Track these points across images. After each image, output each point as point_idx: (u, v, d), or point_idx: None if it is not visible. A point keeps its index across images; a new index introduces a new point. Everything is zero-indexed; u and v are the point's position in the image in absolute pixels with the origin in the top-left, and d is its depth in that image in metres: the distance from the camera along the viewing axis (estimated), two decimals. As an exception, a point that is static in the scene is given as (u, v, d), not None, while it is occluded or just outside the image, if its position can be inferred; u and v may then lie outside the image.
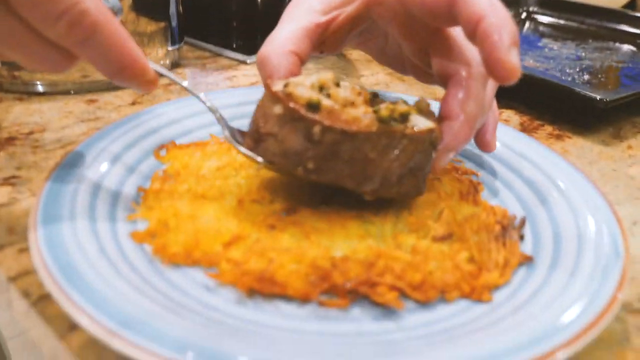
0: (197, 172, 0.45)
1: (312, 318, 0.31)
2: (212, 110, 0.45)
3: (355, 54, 0.93)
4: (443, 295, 0.33)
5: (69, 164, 0.41)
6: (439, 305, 0.33)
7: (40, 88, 0.67)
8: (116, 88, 0.70)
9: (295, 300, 0.33)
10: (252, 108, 0.43)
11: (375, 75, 0.83)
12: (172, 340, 0.26)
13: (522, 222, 0.41)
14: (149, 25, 0.75)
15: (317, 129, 0.36)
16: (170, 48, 0.79)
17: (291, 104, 0.37)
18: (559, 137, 0.64)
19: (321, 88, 0.39)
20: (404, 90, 0.77)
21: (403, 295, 0.33)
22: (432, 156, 0.39)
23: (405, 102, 0.40)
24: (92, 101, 0.66)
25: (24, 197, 0.45)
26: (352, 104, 0.38)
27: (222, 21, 0.91)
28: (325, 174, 0.37)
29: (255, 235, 0.37)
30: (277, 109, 0.37)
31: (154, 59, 0.76)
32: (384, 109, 0.37)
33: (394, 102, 0.41)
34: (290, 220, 0.39)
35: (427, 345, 0.29)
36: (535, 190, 0.45)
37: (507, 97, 0.74)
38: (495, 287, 0.34)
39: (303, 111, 0.37)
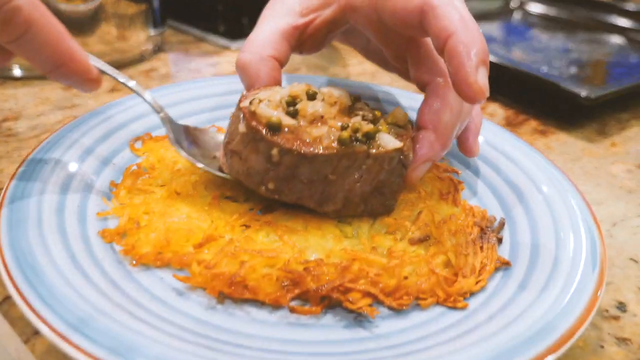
0: (173, 166, 0.43)
1: (283, 325, 0.31)
2: (157, 109, 0.44)
3: (342, 42, 0.91)
4: (417, 302, 0.33)
5: (38, 157, 0.40)
6: (413, 312, 0.33)
7: (17, 72, 0.65)
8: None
9: (267, 306, 0.32)
10: (235, 98, 0.43)
11: (361, 64, 0.81)
12: (126, 348, 0.26)
13: (501, 225, 0.40)
14: (129, 7, 0.72)
15: (275, 151, 0.35)
16: (152, 32, 0.77)
17: (253, 123, 0.36)
18: (543, 133, 0.64)
19: (292, 102, 0.38)
20: (390, 82, 0.76)
21: (377, 301, 0.32)
22: (402, 173, 0.38)
23: (380, 115, 0.39)
24: (69, 87, 0.64)
25: (-8, 189, 0.44)
26: (322, 118, 0.38)
27: (207, 4, 0.88)
28: (286, 194, 0.37)
29: (229, 235, 0.36)
30: (242, 127, 0.37)
31: (136, 43, 0.74)
32: (346, 131, 0.36)
33: (371, 111, 0.40)
34: (265, 219, 0.38)
35: (401, 355, 0.28)
36: (516, 191, 0.44)
37: (493, 90, 0.73)
38: (471, 294, 0.34)
39: (263, 132, 0.36)
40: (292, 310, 0.31)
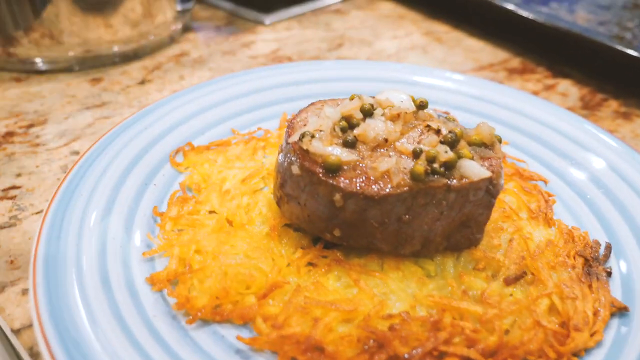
0: (220, 186, 0.38)
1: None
2: None
3: (386, 9, 0.83)
4: (522, 365, 0.28)
5: (72, 186, 0.35)
6: (518, 377, 0.27)
7: (40, 66, 0.60)
8: (123, 63, 0.63)
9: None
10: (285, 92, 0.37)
11: (409, 37, 0.74)
12: None
13: (608, 252, 0.35)
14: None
15: (337, 197, 0.30)
16: (180, 8, 0.70)
17: (306, 164, 0.31)
18: (626, 117, 0.56)
19: (346, 127, 0.32)
20: (443, 55, 0.68)
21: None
22: (490, 203, 0.32)
23: (458, 131, 0.33)
24: (96, 80, 0.59)
25: (25, 215, 0.40)
26: (386, 142, 0.32)
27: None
28: (355, 240, 0.32)
29: (294, 278, 0.31)
30: (295, 169, 0.31)
31: (163, 23, 0.67)
32: (419, 161, 0.30)
33: (444, 122, 0.34)
34: (334, 257, 0.33)
35: None
36: (617, 204, 0.38)
37: (563, 63, 0.65)
38: (586, 350, 0.28)
39: (320, 174, 0.30)
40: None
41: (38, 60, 0.59)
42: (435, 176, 0.30)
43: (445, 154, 0.30)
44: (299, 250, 0.33)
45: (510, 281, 0.31)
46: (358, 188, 0.29)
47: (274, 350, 0.27)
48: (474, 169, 0.30)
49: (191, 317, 0.29)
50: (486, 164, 0.31)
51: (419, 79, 0.52)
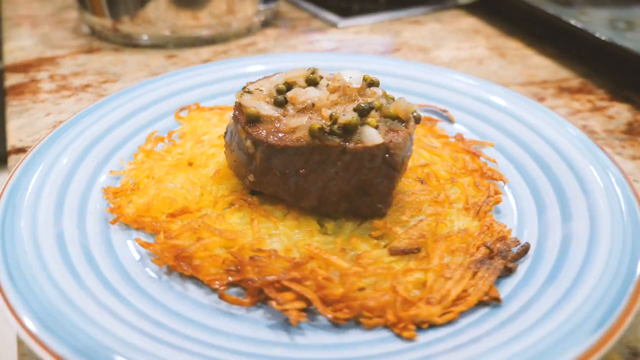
0: (200, 136, 0.44)
1: (211, 309, 0.29)
2: None
3: (465, 24, 0.82)
4: (360, 320, 0.28)
5: (88, 110, 0.44)
6: (353, 330, 0.28)
7: (145, 39, 0.72)
8: (200, 46, 0.73)
9: (206, 287, 0.31)
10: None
11: (473, 49, 0.73)
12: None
13: (523, 252, 0.33)
14: (241, -19, 0.75)
15: (248, 143, 0.34)
16: (261, 7, 0.79)
17: (236, 113, 0.35)
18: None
19: (284, 89, 0.36)
20: (496, 68, 0.66)
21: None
22: (390, 174, 0.33)
23: (377, 103, 0.34)
24: (171, 56, 0.70)
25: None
26: (313, 106, 0.34)
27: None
28: (265, 187, 0.35)
29: (207, 210, 0.36)
30: (232, 116, 0.36)
31: (243, 17, 0.76)
32: (319, 122, 0.32)
33: (380, 99, 0.35)
34: (251, 201, 0.36)
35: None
36: (564, 207, 0.35)
37: (629, 87, 0.59)
38: (431, 325, 0.28)
39: (242, 123, 0.34)
40: (221, 296, 0.30)
41: (144, 35, 0.72)
42: (333, 137, 0.32)
43: (343, 117, 0.32)
44: (227, 191, 0.38)
45: (395, 252, 0.32)
46: (263, 137, 0.33)
47: (157, 255, 0.32)
48: (369, 135, 0.32)
49: (116, 219, 0.35)
50: (390, 135, 0.33)
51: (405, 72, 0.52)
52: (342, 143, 0.32)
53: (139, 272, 0.32)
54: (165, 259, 0.31)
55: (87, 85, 0.61)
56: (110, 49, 0.71)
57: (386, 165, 0.33)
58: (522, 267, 0.32)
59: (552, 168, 0.39)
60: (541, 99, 0.59)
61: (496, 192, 0.38)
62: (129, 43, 0.73)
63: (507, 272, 0.31)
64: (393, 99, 0.37)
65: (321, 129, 0.32)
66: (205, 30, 0.73)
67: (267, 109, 0.34)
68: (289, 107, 0.35)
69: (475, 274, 0.30)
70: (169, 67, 0.66)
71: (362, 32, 0.79)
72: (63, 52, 0.70)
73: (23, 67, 0.64)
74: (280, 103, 0.35)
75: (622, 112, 0.56)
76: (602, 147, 0.40)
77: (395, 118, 0.34)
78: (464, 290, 0.29)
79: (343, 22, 0.81)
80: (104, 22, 0.72)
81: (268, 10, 0.80)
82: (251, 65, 0.54)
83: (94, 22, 0.73)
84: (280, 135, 0.33)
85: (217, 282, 0.30)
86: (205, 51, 0.71)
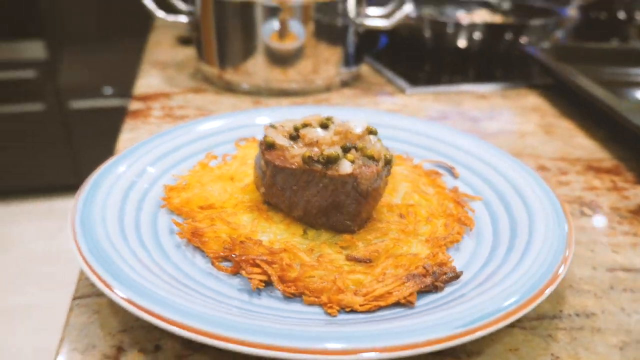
0: (246, 160, 0.57)
1: (205, 273, 0.40)
2: None
3: (529, 102, 0.88)
4: (301, 295, 0.37)
5: (166, 132, 0.59)
6: (295, 303, 0.37)
7: (245, 86, 0.90)
8: (284, 96, 0.88)
9: (208, 259, 0.42)
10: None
11: (522, 124, 0.79)
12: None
13: (453, 277, 0.39)
14: (326, 49, 0.90)
15: (262, 162, 0.45)
16: (342, 70, 0.93)
17: (260, 141, 0.47)
18: (675, 231, 0.52)
19: (300, 128, 0.47)
20: (532, 141, 0.71)
21: (270, 282, 0.39)
22: (358, 199, 0.42)
23: (360, 146, 0.44)
24: (257, 102, 0.85)
25: (155, 152, 0.66)
26: (316, 142, 0.45)
27: (392, 50, 1.00)
28: (271, 198, 0.46)
29: (229, 209, 0.47)
30: (259, 143, 0.48)
31: (325, 77, 0.91)
32: (314, 152, 0.43)
33: (371, 146, 0.45)
34: (264, 208, 0.47)
35: (249, 319, 0.35)
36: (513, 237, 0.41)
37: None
38: (352, 310, 0.36)
39: (262, 147, 0.46)
40: (212, 263, 0.41)
41: (235, 83, 0.90)
42: (318, 164, 0.42)
43: (326, 151, 0.43)
44: (247, 198, 0.49)
45: (350, 258, 0.41)
46: (272, 159, 0.44)
47: (182, 230, 0.44)
48: (343, 166, 0.42)
49: (164, 205, 0.48)
50: (361, 169, 0.42)
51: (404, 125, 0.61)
52: (323, 169, 0.42)
53: (167, 242, 0.44)
54: (185, 234, 0.44)
55: (185, 116, 0.78)
56: (213, 92, 0.89)
57: (354, 192, 0.42)
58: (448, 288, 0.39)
59: (517, 220, 0.45)
60: (563, 173, 0.63)
61: (458, 233, 0.45)
62: (229, 88, 0.90)
63: (434, 288, 0.38)
64: (382, 146, 0.46)
65: (310, 157, 0.42)
66: (292, 84, 0.89)
67: (281, 140, 0.46)
68: (299, 141, 0.46)
69: (403, 283, 0.38)
70: (256, 105, 0.82)
71: (425, 100, 0.89)
72: (177, 90, 0.89)
73: (144, 98, 0.84)
74: (293, 137, 0.46)
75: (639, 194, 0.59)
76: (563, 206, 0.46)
77: (371, 157, 0.43)
78: (389, 292, 0.37)
79: (410, 89, 0.92)
80: (213, 70, 0.90)
81: (349, 72, 0.94)
82: (305, 113, 0.67)
83: (205, 69, 0.92)
84: (283, 159, 0.44)
85: (212, 254, 0.41)
86: (285, 101, 0.86)
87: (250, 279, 0.38)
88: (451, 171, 0.57)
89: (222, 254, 0.41)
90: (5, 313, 1.79)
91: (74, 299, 0.39)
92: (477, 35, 1.05)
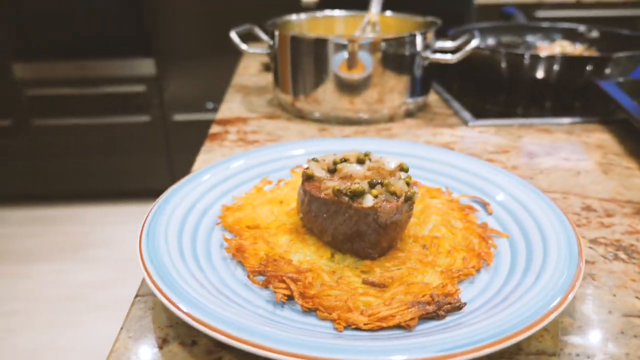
0: (297, 185, 0.64)
1: (242, 284, 0.48)
2: None
3: (594, 138, 0.87)
4: (315, 311, 0.43)
5: (232, 158, 0.68)
6: (311, 316, 0.43)
7: (316, 115, 0.98)
8: (349, 125, 0.94)
9: (246, 272, 0.49)
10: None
11: (580, 162, 0.78)
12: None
13: (455, 308, 0.43)
14: (392, 78, 0.95)
15: (301, 191, 0.52)
16: (408, 100, 0.97)
17: (302, 173, 0.53)
18: None
19: (338, 162, 0.53)
20: (585, 180, 0.71)
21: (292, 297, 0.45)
22: (378, 230, 0.47)
23: (386, 182, 0.49)
24: (323, 129, 0.93)
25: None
26: (350, 177, 0.51)
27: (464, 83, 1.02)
28: (307, 222, 0.53)
29: (272, 230, 0.55)
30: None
31: (389, 106, 0.96)
32: (345, 186, 0.48)
33: (398, 181, 0.50)
34: (301, 231, 0.54)
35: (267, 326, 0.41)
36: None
37: None
38: (355, 327, 0.42)
39: (303, 178, 0.52)
40: (249, 276, 0.48)
41: (305, 111, 0.98)
42: (345, 197, 0.48)
43: (354, 186, 0.48)
44: (289, 221, 0.56)
45: (366, 282, 0.46)
46: (309, 189, 0.51)
47: (229, 245, 0.52)
48: (366, 200, 0.47)
49: (219, 222, 0.57)
50: (383, 203, 0.47)
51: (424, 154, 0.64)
52: (350, 202, 0.48)
53: (216, 254, 0.52)
54: (231, 249, 0.51)
55: (256, 141, 0.87)
56: (285, 118, 0.98)
57: (375, 223, 0.47)
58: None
59: (533, 258, 0.48)
60: (609, 215, 0.63)
61: (473, 267, 0.48)
62: (299, 115, 0.98)
63: (436, 316, 0.43)
64: (409, 183, 0.51)
65: (339, 190, 0.48)
66: (357, 113, 0.95)
67: (319, 172, 0.52)
68: (336, 175, 0.52)
69: (407, 308, 0.43)
70: (316, 135, 0.89)
71: (487, 132, 0.91)
72: (254, 115, 0.99)
73: (224, 122, 0.95)
74: (331, 171, 0.53)
75: (687, 242, 0.57)
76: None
77: (393, 193, 0.48)
78: (392, 315, 0.42)
79: (473, 122, 0.94)
80: (287, 98, 0.99)
81: (414, 103, 0.98)
82: (361, 145, 0.73)
83: (281, 97, 1.02)
84: (317, 189, 0.50)
85: (249, 268, 0.49)
86: (349, 129, 0.93)
87: (276, 292, 0.45)
88: (485, 207, 0.60)
89: (257, 268, 0.48)
90: (108, 306, 2.03)
91: (136, 296, 0.48)
92: (554, 68, 1.05)
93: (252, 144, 0.86)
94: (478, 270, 0.49)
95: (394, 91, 0.96)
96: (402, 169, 0.53)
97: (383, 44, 0.91)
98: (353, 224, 0.48)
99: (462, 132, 0.91)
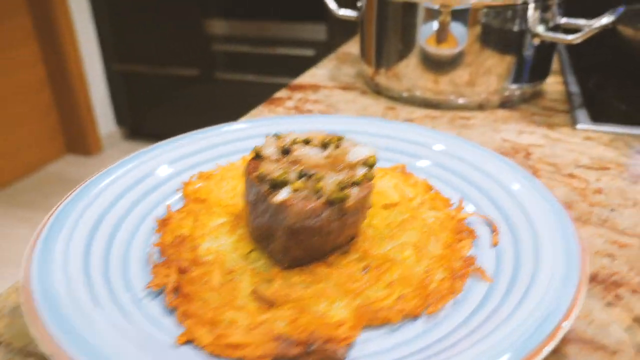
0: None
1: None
2: None
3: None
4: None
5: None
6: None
7: (393, 92, 0.86)
8: (424, 107, 0.80)
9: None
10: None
11: (608, 171, 0.54)
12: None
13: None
14: (490, 57, 0.77)
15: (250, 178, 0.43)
16: (509, 86, 0.79)
17: (248, 159, 0.44)
18: None
19: (299, 142, 0.43)
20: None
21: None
22: (289, 235, 0.38)
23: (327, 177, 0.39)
24: (390, 108, 0.80)
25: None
26: (300, 162, 0.41)
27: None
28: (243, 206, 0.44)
29: (217, 207, 0.48)
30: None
31: (480, 92, 0.79)
32: (278, 172, 0.39)
33: (317, 174, 0.39)
34: (243, 217, 0.47)
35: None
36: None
37: None
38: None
39: (251, 155, 0.44)
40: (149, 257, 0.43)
41: (382, 85, 0.86)
42: (266, 185, 0.39)
43: (276, 173, 0.39)
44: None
45: (255, 293, 0.37)
46: (248, 168, 0.43)
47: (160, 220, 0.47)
48: (280, 194, 0.38)
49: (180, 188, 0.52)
50: (298, 202, 0.37)
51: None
52: (266, 192, 0.39)
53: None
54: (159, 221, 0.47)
55: (309, 111, 0.80)
56: (360, 91, 0.88)
57: (284, 224, 0.38)
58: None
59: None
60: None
61: (405, 312, 0.36)
62: (376, 90, 0.87)
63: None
64: (357, 183, 0.40)
65: (263, 175, 0.40)
66: (439, 95, 0.80)
67: (270, 151, 0.44)
68: (287, 158, 0.43)
69: (270, 341, 0.33)
70: (382, 114, 0.78)
71: (594, 139, 0.68)
72: (331, 84, 0.91)
73: (295, 87, 0.89)
74: (285, 151, 0.44)
75: None
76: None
77: (317, 191, 0.38)
78: (244, 344, 0.33)
79: (584, 124, 0.72)
80: (368, 70, 0.89)
81: (519, 90, 0.79)
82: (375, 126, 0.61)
83: (363, 68, 0.91)
84: (254, 169, 0.42)
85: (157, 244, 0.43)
86: (419, 112, 0.79)
87: (153, 278, 0.39)
88: (492, 232, 0.44)
89: (158, 245, 0.43)
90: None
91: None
92: None
93: (304, 113, 0.79)
94: (411, 317, 0.36)
95: (491, 73, 0.78)
96: (366, 163, 0.41)
97: (483, 14, 0.74)
98: (267, 220, 0.39)
99: (559, 134, 0.70)
